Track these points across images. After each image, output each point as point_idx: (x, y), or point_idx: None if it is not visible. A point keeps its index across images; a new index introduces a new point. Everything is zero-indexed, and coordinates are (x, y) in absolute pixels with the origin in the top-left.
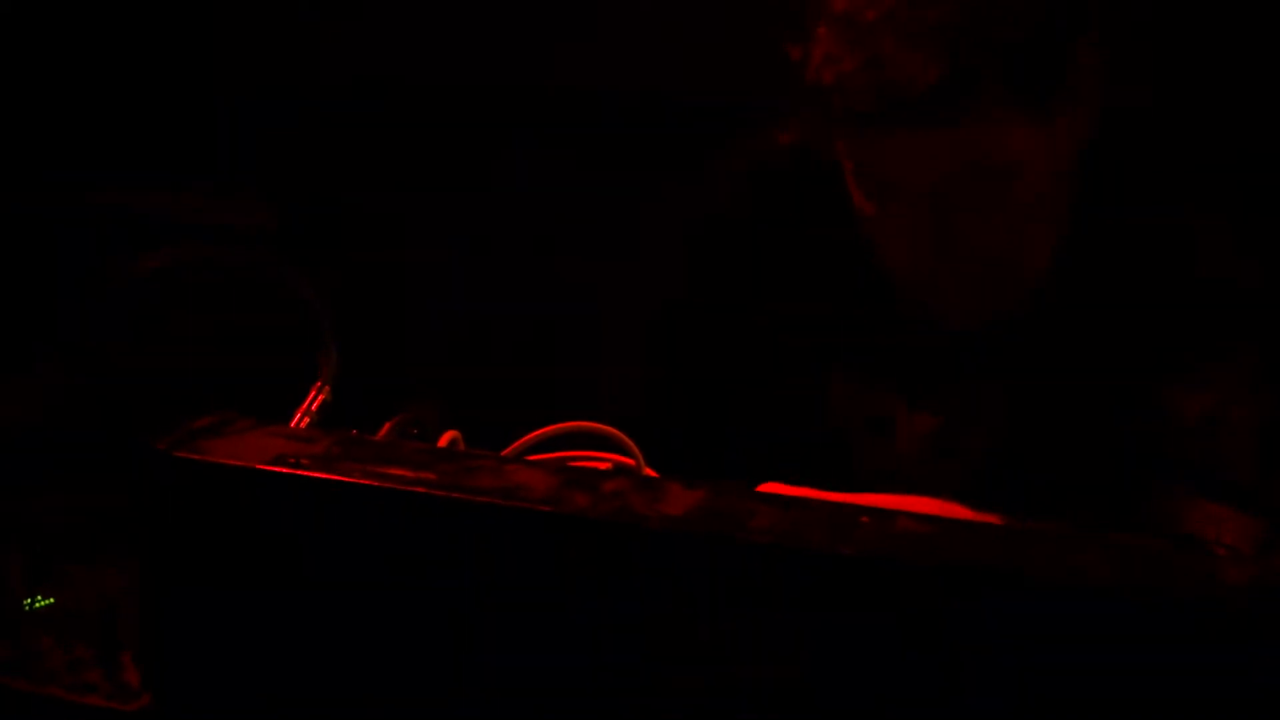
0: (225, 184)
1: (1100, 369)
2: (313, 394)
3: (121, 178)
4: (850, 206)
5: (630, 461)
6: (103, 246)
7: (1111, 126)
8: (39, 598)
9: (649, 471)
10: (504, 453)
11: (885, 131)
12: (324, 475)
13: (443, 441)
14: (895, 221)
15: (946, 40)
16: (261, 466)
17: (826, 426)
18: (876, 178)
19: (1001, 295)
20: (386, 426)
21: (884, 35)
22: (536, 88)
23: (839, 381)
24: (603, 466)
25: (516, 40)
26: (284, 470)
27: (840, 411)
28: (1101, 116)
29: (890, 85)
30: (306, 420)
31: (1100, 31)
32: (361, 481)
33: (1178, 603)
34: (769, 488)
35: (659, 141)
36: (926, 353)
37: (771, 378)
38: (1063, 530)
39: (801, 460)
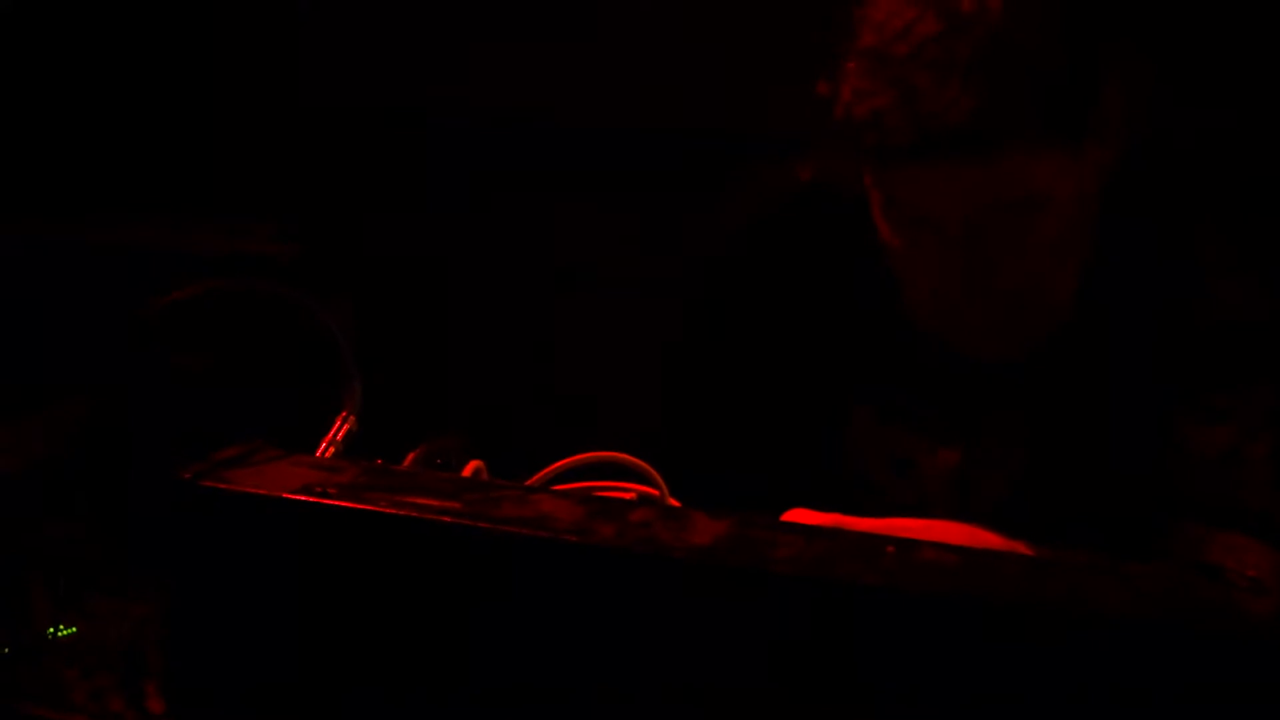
0: (248, 216)
1: (1119, 400)
2: (338, 424)
3: (144, 213)
4: (873, 241)
5: (655, 492)
6: (127, 281)
7: (1131, 155)
8: (62, 626)
9: (673, 501)
10: (529, 482)
11: (920, 165)
12: (351, 504)
13: (467, 471)
14: (924, 255)
15: (980, 73)
16: (288, 495)
17: (848, 466)
18: (908, 212)
19: (1029, 327)
20: (411, 456)
21: (917, 69)
22: (562, 118)
23: (861, 421)
24: (627, 496)
25: (538, 73)
26: (311, 499)
27: (863, 451)
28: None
29: (927, 118)
30: (332, 450)
31: (1130, 63)
32: (388, 511)
33: (1199, 636)
34: (795, 514)
35: (680, 175)
36: (948, 388)
37: (790, 416)
38: (1084, 561)
39: (822, 498)
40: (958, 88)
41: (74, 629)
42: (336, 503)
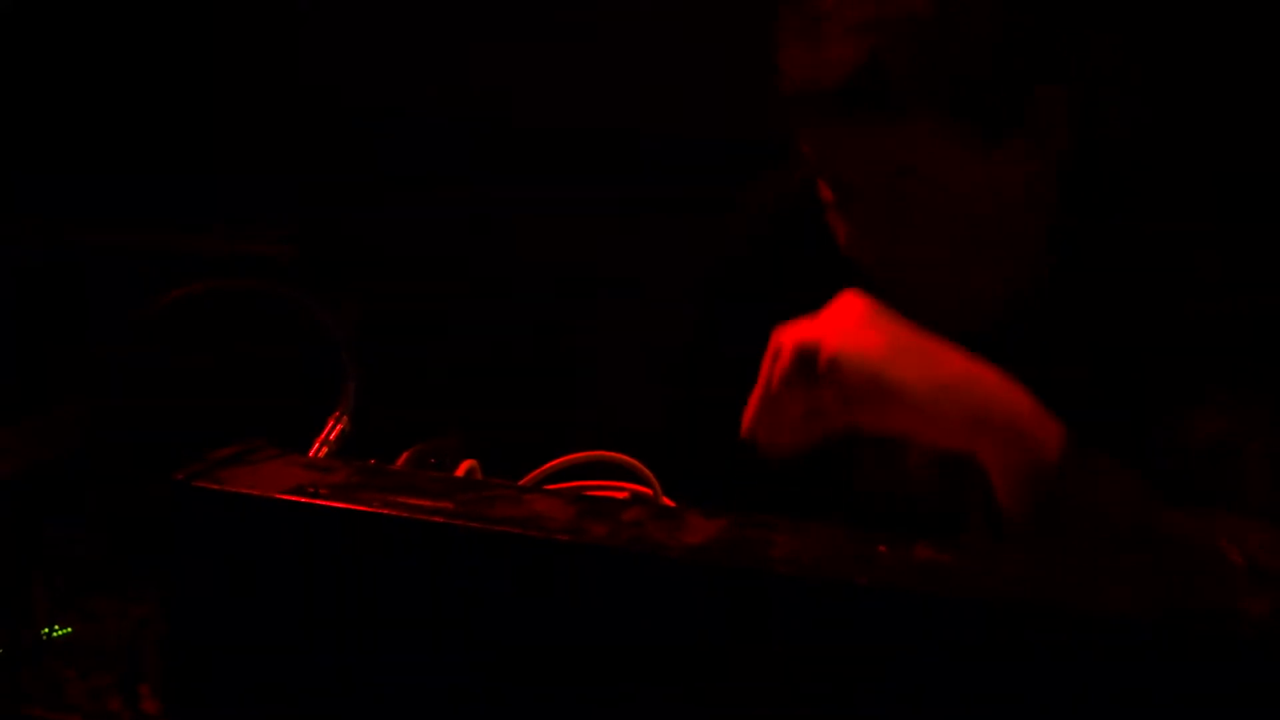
0: (246, 216)
1: (1097, 391)
2: (331, 424)
3: (144, 213)
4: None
5: (648, 490)
6: (125, 282)
7: (1099, 152)
8: (59, 627)
9: (666, 500)
10: (522, 482)
11: (820, 120)
12: (343, 505)
13: (460, 471)
14: (852, 218)
15: (874, 37)
16: (281, 496)
17: (838, 449)
18: (824, 169)
19: (962, 310)
20: (405, 456)
21: (825, 23)
22: (565, 120)
23: None
24: (620, 496)
25: (540, 74)
26: (303, 500)
27: (860, 449)
28: (1082, 145)
29: (820, 71)
30: (325, 450)
31: (1067, 68)
32: (380, 511)
33: (1199, 631)
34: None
35: (681, 176)
36: None
37: None
38: (1084, 555)
39: (812, 482)
40: (853, 48)
41: (71, 629)
42: (328, 503)
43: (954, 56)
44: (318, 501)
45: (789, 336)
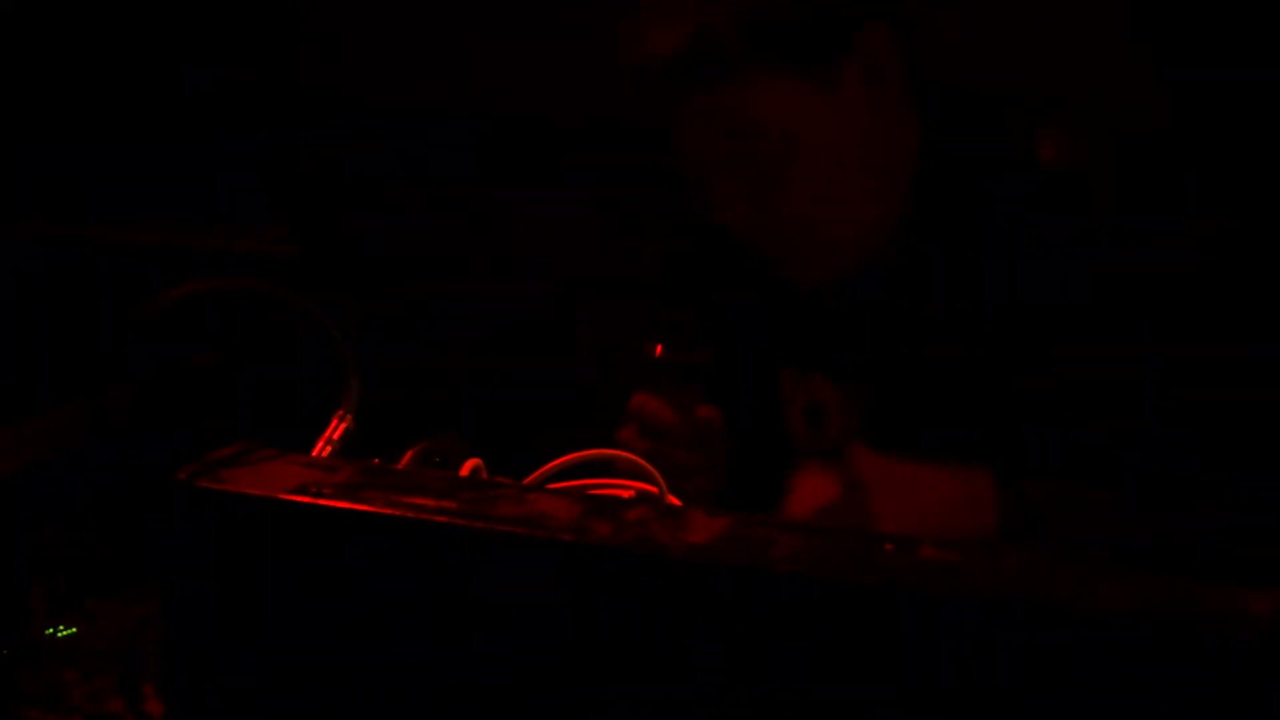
0: (248, 216)
1: (957, 331)
2: (335, 423)
3: (145, 213)
4: None
5: (653, 489)
6: (126, 281)
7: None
8: (61, 628)
9: (672, 499)
10: (526, 481)
11: (664, 91)
12: (346, 504)
13: (465, 470)
14: (715, 188)
15: (700, 4)
16: (283, 496)
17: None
18: (678, 143)
19: (831, 256)
20: (409, 455)
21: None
22: (564, 119)
23: (786, 378)
24: (626, 495)
25: (540, 73)
26: (306, 500)
27: (789, 403)
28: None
29: (654, 41)
30: (329, 449)
31: (895, 18)
32: (383, 511)
33: (1199, 634)
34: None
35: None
36: (815, 327)
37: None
38: (1086, 561)
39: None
40: (678, 16)
41: (73, 630)
42: (330, 503)
43: (780, 8)
44: (320, 501)
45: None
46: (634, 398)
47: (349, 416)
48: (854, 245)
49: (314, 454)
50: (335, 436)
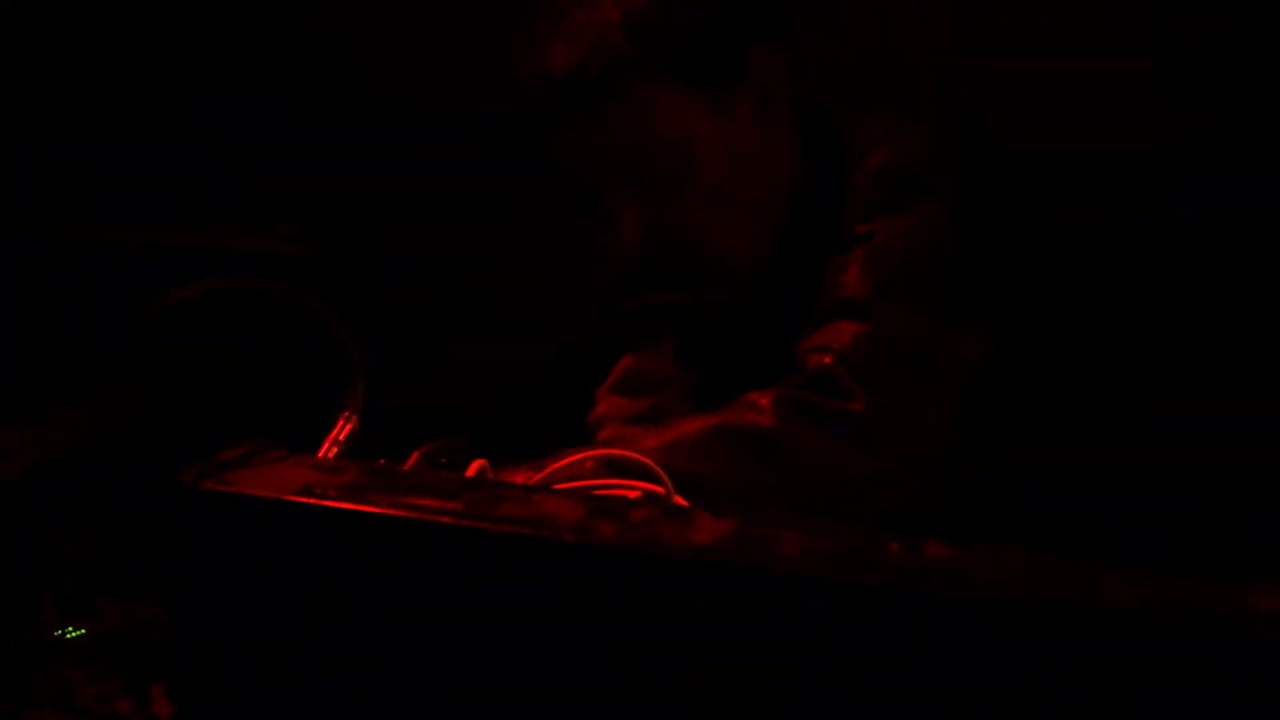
0: (254, 216)
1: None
2: (340, 424)
3: (149, 213)
4: None
5: (660, 489)
6: (131, 280)
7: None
8: (70, 629)
9: (679, 500)
10: (532, 481)
11: (562, 108)
12: (351, 506)
13: (470, 471)
14: (613, 203)
15: (598, 24)
16: (289, 498)
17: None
18: (577, 160)
19: (721, 270)
20: (414, 456)
21: (554, 14)
22: None
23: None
24: (632, 495)
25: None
26: (311, 501)
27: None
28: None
29: (551, 59)
30: (334, 450)
31: (779, 30)
32: (388, 512)
33: (1209, 632)
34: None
35: None
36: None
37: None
38: (1091, 560)
39: None
40: (577, 34)
41: (82, 631)
42: (336, 504)
43: (675, 28)
44: (326, 503)
45: None
46: (623, 359)
47: (355, 417)
48: (745, 262)
49: (320, 455)
50: (341, 437)
